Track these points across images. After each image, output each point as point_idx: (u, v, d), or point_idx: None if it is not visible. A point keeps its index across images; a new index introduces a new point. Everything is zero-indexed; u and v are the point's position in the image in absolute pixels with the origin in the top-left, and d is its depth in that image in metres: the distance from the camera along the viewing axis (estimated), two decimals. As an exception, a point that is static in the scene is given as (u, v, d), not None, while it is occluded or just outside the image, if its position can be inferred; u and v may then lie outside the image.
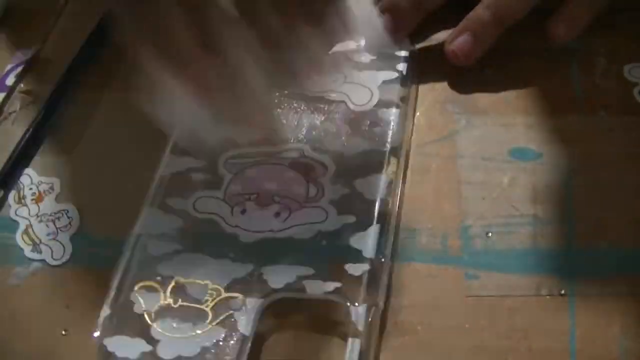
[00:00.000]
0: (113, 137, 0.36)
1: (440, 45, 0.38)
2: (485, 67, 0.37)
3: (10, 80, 0.40)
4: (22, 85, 0.40)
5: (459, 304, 0.29)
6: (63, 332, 0.30)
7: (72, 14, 0.44)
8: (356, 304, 0.27)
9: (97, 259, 0.32)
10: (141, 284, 0.29)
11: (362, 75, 0.36)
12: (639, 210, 0.31)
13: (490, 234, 0.31)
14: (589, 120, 0.35)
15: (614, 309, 0.28)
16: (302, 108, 0.35)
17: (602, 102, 0.35)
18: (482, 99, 0.36)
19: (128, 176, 0.34)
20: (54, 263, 0.32)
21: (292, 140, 0.33)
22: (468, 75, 0.37)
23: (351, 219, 0.30)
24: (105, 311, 0.28)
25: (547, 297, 0.29)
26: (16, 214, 0.34)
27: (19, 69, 0.40)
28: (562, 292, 0.29)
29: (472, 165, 0.33)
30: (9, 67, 0.41)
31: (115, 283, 0.29)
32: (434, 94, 0.36)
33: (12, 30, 0.44)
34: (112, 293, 0.29)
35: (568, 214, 0.31)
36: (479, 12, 0.36)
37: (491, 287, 0.29)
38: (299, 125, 0.34)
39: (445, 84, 0.37)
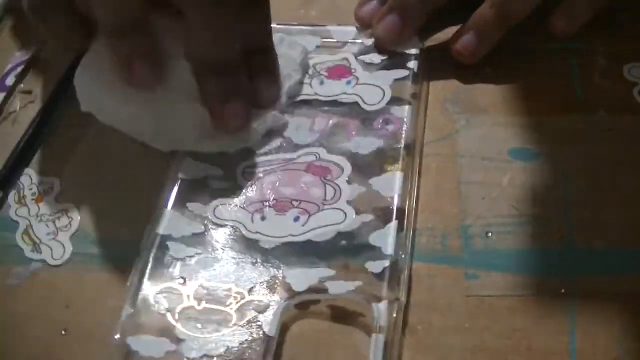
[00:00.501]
0: (113, 136, 0.36)
1: (441, 45, 0.38)
2: (485, 67, 0.37)
3: (10, 80, 0.40)
4: (22, 85, 0.40)
5: (459, 304, 0.29)
6: (63, 332, 0.30)
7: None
8: (378, 300, 0.28)
9: (97, 259, 0.32)
10: (164, 285, 0.29)
11: (373, 75, 0.36)
12: (638, 210, 0.31)
13: (490, 234, 0.31)
14: (589, 120, 0.35)
15: (614, 309, 0.28)
16: (315, 112, 0.35)
17: (602, 102, 0.35)
18: (482, 99, 0.36)
19: (128, 176, 0.34)
20: (54, 263, 0.32)
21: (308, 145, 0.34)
22: (468, 75, 0.37)
23: (369, 217, 0.31)
24: (128, 310, 0.28)
25: (547, 297, 0.29)
26: (16, 214, 0.34)
27: (19, 69, 0.40)
28: (562, 292, 0.29)
29: (472, 165, 0.33)
30: (9, 67, 0.41)
31: (135, 282, 0.29)
32: (434, 93, 0.36)
33: (12, 30, 0.44)
34: (132, 292, 0.29)
35: (568, 214, 0.31)
36: (484, 11, 0.36)
37: (491, 287, 0.29)
38: (313, 129, 0.34)
39: (445, 84, 0.37)
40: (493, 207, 0.32)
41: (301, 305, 0.29)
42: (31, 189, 0.35)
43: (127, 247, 0.31)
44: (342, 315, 0.29)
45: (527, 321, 0.28)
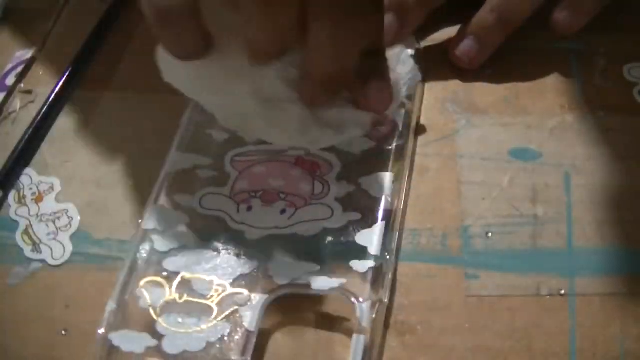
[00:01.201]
0: (113, 136, 0.36)
1: (440, 46, 0.38)
2: (485, 67, 0.37)
3: (10, 80, 0.40)
4: (22, 85, 0.40)
5: (459, 304, 0.29)
6: (63, 332, 0.30)
7: (72, 13, 0.44)
8: (361, 300, 0.28)
9: (97, 259, 0.32)
10: (147, 279, 0.29)
11: None
12: (639, 210, 0.31)
13: (490, 234, 0.31)
14: (589, 120, 0.35)
15: (614, 309, 0.28)
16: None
17: (602, 102, 0.35)
18: (482, 99, 0.36)
19: (128, 175, 0.34)
20: (54, 263, 0.32)
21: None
22: (468, 75, 0.37)
23: (357, 216, 0.31)
24: (111, 306, 0.28)
25: (547, 297, 0.29)
26: (16, 214, 0.34)
27: (19, 69, 0.40)
28: (562, 292, 0.29)
29: (472, 165, 0.33)
30: (9, 67, 0.41)
31: (121, 278, 0.29)
32: (434, 93, 0.36)
33: (12, 30, 0.44)
34: (118, 288, 0.29)
35: (568, 214, 0.31)
36: (484, 15, 0.36)
37: (491, 287, 0.29)
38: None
39: (445, 84, 0.37)
40: (493, 207, 0.32)
41: (283, 300, 0.29)
42: (31, 189, 0.35)
43: (127, 247, 0.31)
44: (324, 312, 0.29)
45: (527, 321, 0.28)
